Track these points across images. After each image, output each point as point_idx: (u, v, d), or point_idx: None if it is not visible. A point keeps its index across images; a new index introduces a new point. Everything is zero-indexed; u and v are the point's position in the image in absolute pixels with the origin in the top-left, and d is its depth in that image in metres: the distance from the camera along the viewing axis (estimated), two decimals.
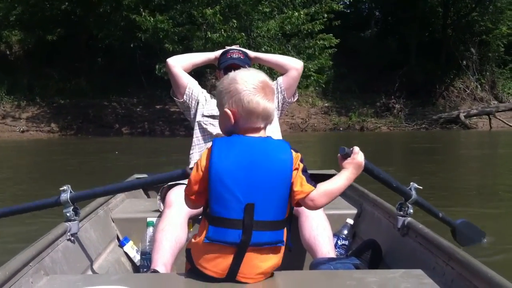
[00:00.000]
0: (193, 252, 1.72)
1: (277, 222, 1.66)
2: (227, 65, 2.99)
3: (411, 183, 2.25)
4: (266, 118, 1.71)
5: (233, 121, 1.69)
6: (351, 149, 1.86)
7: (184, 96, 3.07)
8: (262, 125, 1.72)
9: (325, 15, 20.99)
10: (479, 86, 27.96)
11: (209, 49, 17.62)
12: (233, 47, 3.22)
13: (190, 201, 1.75)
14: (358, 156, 1.84)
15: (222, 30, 18.53)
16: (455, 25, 28.64)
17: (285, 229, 1.70)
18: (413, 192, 2.22)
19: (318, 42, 20.46)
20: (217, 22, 18.59)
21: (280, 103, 3.16)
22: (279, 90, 3.14)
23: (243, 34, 18.70)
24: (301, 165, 1.70)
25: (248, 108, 1.67)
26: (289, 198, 1.68)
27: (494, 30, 27.60)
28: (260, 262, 1.66)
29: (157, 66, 19.86)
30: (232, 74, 1.75)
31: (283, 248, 1.71)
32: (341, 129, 23.82)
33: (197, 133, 3.02)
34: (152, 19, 19.24)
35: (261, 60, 3.28)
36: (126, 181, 3.50)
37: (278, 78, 3.20)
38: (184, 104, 3.11)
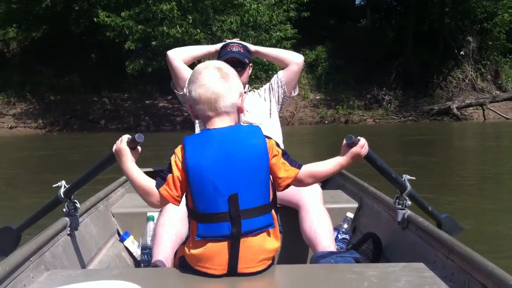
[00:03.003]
0: (188, 257, 1.71)
1: (263, 206, 1.67)
2: (227, 59, 2.96)
3: (404, 175, 2.23)
4: (212, 103, 1.69)
5: (193, 115, 1.79)
6: (358, 139, 1.84)
7: (185, 89, 3.05)
8: (211, 114, 1.70)
9: (291, 5, 21.15)
10: (479, 76, 27.23)
11: (170, 44, 18.11)
12: (233, 40, 3.20)
13: (166, 202, 1.69)
14: (363, 148, 1.84)
15: (178, 25, 18.80)
16: (453, 12, 27.88)
17: (273, 212, 1.71)
18: (407, 184, 2.21)
19: (274, 33, 20.37)
20: (175, 17, 18.85)
21: (280, 98, 3.15)
22: (280, 84, 3.12)
23: (198, 30, 18.94)
24: (280, 150, 1.72)
25: (191, 99, 1.74)
26: (271, 181, 1.70)
27: (495, 18, 26.74)
28: (258, 249, 1.67)
29: (126, 63, 20.04)
30: None
31: (276, 230, 1.72)
32: (326, 122, 23.61)
33: (197, 126, 3.02)
34: (107, 18, 19.48)
35: (261, 54, 3.25)
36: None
37: (278, 73, 3.18)
38: (185, 97, 3.09)
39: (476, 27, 27.36)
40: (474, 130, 18.88)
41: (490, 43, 27.32)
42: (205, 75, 1.71)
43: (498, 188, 6.62)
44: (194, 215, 1.67)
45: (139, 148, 1.80)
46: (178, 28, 18.84)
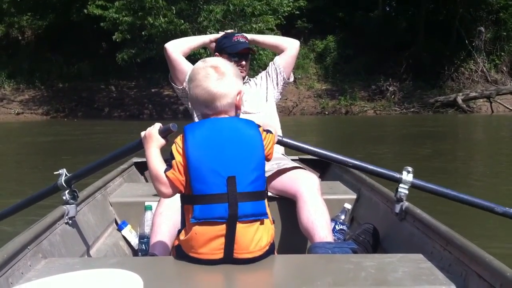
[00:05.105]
0: (183, 243, 1.72)
1: (258, 192, 1.71)
2: (240, 50, 2.92)
3: (404, 166, 2.21)
4: (209, 103, 1.74)
5: (193, 108, 1.81)
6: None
7: (184, 83, 3.03)
8: (210, 112, 1.76)
9: None
10: (493, 68, 26.11)
11: (157, 34, 18.87)
12: (229, 31, 3.18)
13: (174, 186, 1.71)
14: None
15: (161, 16, 19.08)
16: (467, 2, 26.47)
17: (266, 202, 1.75)
18: (404, 175, 2.16)
19: (254, 25, 20.26)
20: (161, 7, 19.15)
21: (280, 84, 3.12)
22: (278, 71, 3.10)
23: (182, 21, 19.16)
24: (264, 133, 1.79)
25: (190, 98, 1.80)
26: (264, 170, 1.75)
27: (511, 8, 25.54)
28: (253, 234, 1.69)
29: (116, 54, 20.21)
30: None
31: (269, 221, 1.76)
32: (326, 113, 23.35)
33: (196, 120, 3.01)
34: (96, 10, 20.04)
35: (257, 42, 3.24)
36: (124, 164, 3.51)
37: (274, 60, 3.15)
38: (184, 92, 3.07)
39: (492, 17, 26.35)
40: (476, 122, 18.56)
41: (505, 33, 26.18)
42: (203, 75, 1.74)
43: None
44: (191, 198, 1.69)
45: (167, 139, 1.85)
46: (161, 18, 19.08)
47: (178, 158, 1.69)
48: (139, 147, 1.96)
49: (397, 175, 2.18)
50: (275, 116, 3.09)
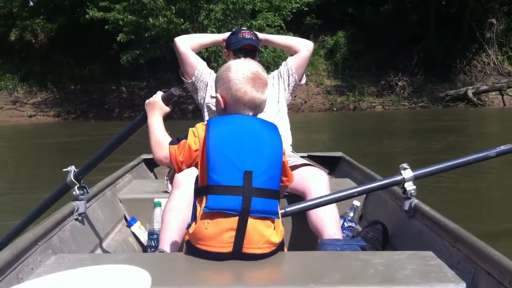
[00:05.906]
0: (193, 235, 1.73)
1: (273, 191, 1.73)
2: (242, 45, 2.91)
3: (400, 165, 2.21)
4: (253, 108, 1.79)
5: (223, 106, 1.81)
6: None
7: (193, 78, 3.04)
8: (250, 113, 1.80)
9: None
10: (506, 60, 25.51)
11: (159, 34, 19.08)
12: (242, 28, 3.18)
13: (171, 157, 1.76)
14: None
15: (160, 16, 19.28)
16: None
17: (278, 203, 1.77)
18: (403, 173, 2.17)
19: (254, 22, 20.19)
20: (161, 8, 19.40)
21: (291, 86, 3.11)
22: (290, 73, 3.08)
23: (182, 20, 19.29)
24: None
25: (235, 96, 1.77)
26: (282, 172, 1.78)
27: None
28: (263, 231, 1.71)
29: (120, 56, 20.59)
30: (229, 62, 1.88)
31: (280, 221, 1.77)
32: (334, 109, 23.13)
33: (205, 115, 3.01)
34: (97, 13, 20.35)
35: (269, 42, 3.24)
36: (133, 161, 3.53)
37: (287, 60, 3.14)
38: (193, 86, 3.09)
39: (504, 8, 25.79)
40: (488, 116, 18.27)
41: None
42: (258, 82, 1.77)
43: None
44: (205, 189, 1.71)
45: (170, 106, 1.92)
46: (160, 18, 19.29)
47: (190, 141, 1.73)
48: (144, 119, 1.98)
49: (398, 177, 2.18)
50: (286, 117, 3.08)
